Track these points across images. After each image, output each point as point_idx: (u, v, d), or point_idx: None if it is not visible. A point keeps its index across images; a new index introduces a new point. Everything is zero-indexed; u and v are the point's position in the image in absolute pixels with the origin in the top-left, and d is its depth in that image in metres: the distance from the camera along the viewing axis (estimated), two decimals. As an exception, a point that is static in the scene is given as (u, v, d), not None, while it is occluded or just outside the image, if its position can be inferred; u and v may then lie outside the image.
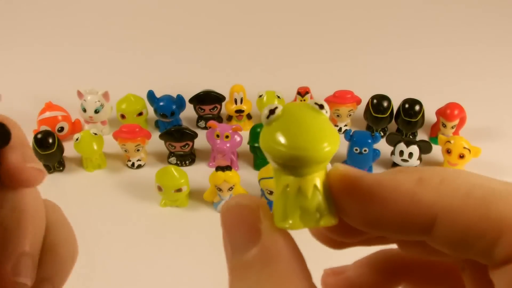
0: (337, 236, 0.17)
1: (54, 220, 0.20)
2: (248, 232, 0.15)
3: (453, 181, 0.14)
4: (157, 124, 0.71)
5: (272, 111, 0.15)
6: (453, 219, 0.14)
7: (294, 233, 0.16)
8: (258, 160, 0.64)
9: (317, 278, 0.16)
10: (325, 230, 0.17)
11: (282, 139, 0.15)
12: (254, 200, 0.16)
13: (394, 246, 0.18)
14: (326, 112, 0.16)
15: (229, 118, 0.71)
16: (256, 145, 0.62)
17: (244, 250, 0.14)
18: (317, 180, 0.15)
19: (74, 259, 0.20)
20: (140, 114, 0.69)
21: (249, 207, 0.15)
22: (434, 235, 0.14)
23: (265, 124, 0.16)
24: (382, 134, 0.68)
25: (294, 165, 0.15)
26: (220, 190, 0.55)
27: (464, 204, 0.14)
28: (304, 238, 0.18)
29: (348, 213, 0.15)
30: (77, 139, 0.61)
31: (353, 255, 0.20)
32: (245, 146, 0.64)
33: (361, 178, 0.15)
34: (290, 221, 0.15)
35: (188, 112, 0.71)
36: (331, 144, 0.15)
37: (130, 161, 0.64)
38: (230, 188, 0.55)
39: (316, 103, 0.16)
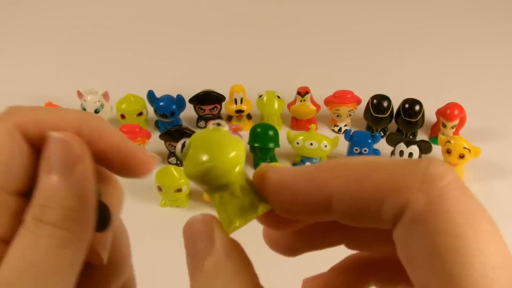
0: (275, 227, 0.19)
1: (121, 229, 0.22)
2: (203, 241, 0.17)
3: (345, 164, 0.16)
4: (157, 124, 0.71)
5: (183, 145, 0.17)
6: (344, 194, 0.16)
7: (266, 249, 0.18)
8: (258, 160, 0.64)
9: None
10: (265, 223, 0.19)
11: (195, 162, 0.17)
12: (207, 216, 0.18)
13: (355, 252, 0.20)
14: (224, 126, 0.18)
15: (229, 118, 0.71)
16: (256, 145, 0.62)
17: (200, 258, 0.17)
18: (241, 181, 0.17)
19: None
20: (140, 114, 0.69)
21: (204, 220, 0.17)
22: (333, 211, 0.16)
23: (182, 159, 0.18)
24: (382, 134, 0.68)
25: (213, 177, 0.17)
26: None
27: (350, 180, 0.16)
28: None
29: (271, 204, 0.18)
30: (77, 139, 0.61)
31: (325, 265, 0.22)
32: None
33: (267, 173, 0.17)
34: (237, 222, 0.17)
35: (188, 112, 0.71)
36: (236, 149, 0.17)
37: (130, 161, 0.64)
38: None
39: (213, 123, 0.18)
